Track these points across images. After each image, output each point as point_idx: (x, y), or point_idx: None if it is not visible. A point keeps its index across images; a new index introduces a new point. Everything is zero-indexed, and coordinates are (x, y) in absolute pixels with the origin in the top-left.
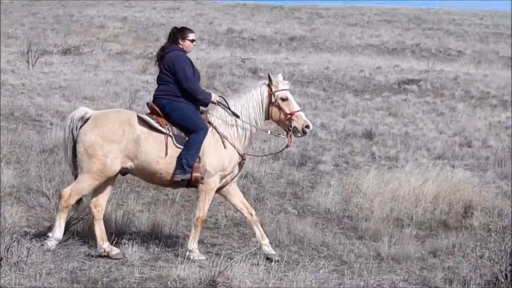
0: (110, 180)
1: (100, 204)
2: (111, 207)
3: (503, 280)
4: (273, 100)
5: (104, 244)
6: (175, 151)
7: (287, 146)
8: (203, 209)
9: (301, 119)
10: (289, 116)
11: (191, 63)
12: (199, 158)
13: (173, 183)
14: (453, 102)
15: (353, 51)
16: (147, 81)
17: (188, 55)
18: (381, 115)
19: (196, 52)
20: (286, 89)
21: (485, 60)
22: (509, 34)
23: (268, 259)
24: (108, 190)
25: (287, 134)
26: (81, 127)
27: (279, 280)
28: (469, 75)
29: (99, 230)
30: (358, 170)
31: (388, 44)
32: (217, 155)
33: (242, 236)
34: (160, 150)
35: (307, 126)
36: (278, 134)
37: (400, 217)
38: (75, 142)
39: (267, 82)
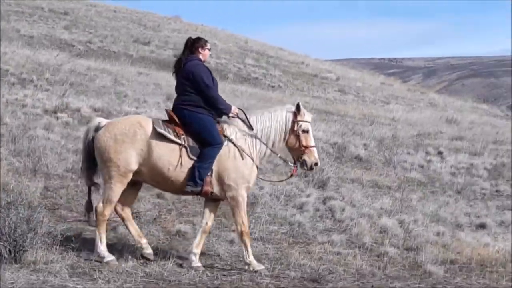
0: (135, 184)
1: (126, 206)
2: None
3: (6, 256)
4: (295, 128)
5: (142, 240)
6: (188, 162)
7: (291, 175)
8: (242, 223)
9: (312, 156)
10: (303, 148)
11: (210, 72)
12: (212, 171)
13: (183, 192)
14: None
15: None
16: None
17: None
18: None
19: None
20: (309, 122)
21: (6, 38)
22: (30, 12)
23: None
24: (134, 192)
25: (294, 164)
26: None
27: None
28: None
29: (133, 229)
30: None
31: None
32: (235, 168)
33: None
34: (171, 158)
35: (316, 164)
36: (286, 160)
37: None
38: (91, 153)
39: (293, 108)
